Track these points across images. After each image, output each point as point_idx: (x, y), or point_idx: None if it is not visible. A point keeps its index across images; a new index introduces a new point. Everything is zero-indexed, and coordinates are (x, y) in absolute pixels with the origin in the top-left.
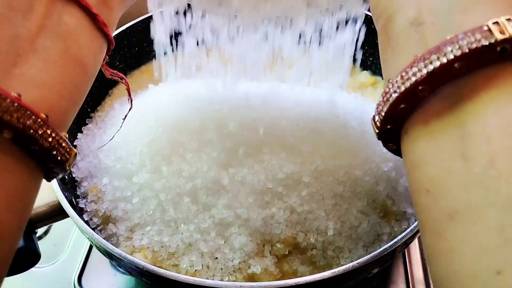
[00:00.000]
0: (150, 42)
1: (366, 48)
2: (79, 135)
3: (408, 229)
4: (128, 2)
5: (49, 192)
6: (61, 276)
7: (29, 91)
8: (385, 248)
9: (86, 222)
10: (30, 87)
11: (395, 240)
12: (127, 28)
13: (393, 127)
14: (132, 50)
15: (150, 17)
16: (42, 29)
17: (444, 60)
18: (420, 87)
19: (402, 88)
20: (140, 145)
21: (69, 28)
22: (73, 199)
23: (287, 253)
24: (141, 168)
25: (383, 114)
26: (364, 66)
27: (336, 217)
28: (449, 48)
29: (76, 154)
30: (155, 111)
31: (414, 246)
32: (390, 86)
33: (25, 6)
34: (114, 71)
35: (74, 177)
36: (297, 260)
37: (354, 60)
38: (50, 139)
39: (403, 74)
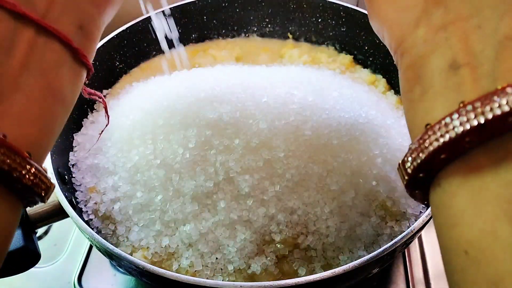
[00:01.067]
0: (150, 41)
1: (366, 48)
2: (78, 134)
3: (408, 229)
4: (103, 27)
5: None
6: (61, 276)
7: (12, 129)
8: (385, 248)
9: (86, 222)
10: (13, 125)
11: (395, 240)
12: (127, 28)
13: (425, 176)
14: (132, 49)
15: (149, 18)
16: (25, 66)
17: (498, 112)
18: (467, 139)
19: (446, 138)
20: (140, 141)
21: (51, 64)
22: (73, 199)
23: (287, 253)
24: (141, 166)
25: (418, 161)
26: (364, 65)
27: (336, 218)
28: (504, 100)
29: (54, 187)
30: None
31: (414, 246)
32: (430, 133)
33: (8, 43)
34: (92, 91)
35: (74, 177)
36: (297, 261)
37: (355, 58)
38: (32, 177)
39: (447, 121)
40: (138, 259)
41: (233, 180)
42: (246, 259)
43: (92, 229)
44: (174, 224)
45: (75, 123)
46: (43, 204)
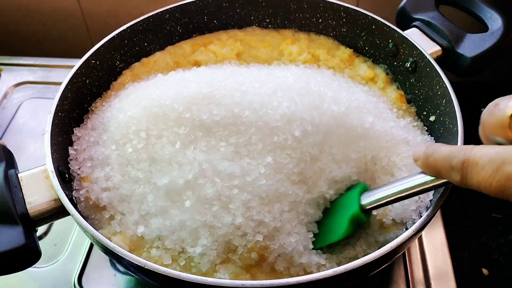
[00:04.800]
0: (149, 41)
1: (367, 48)
2: (77, 129)
3: (407, 231)
4: None
5: (49, 190)
6: (61, 276)
7: None
8: (387, 248)
9: (85, 218)
10: None
11: (395, 241)
12: (127, 27)
13: None
14: (132, 49)
15: (149, 18)
16: None
17: None
18: None
19: None
20: (135, 136)
21: None
22: (73, 197)
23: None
24: (132, 160)
25: None
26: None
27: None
28: None
29: None
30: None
31: (414, 246)
32: None
33: None
34: None
35: (71, 168)
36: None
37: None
38: None
39: None
40: (117, 244)
41: (204, 182)
42: (212, 266)
43: (82, 216)
44: (148, 216)
45: (73, 119)
46: (43, 202)
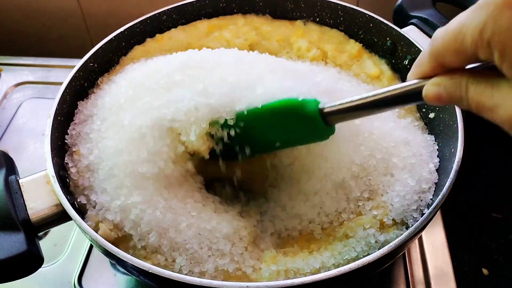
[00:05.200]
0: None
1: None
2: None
3: (408, 231)
4: None
5: (50, 196)
6: (61, 276)
7: None
8: (385, 250)
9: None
10: None
11: (396, 241)
12: (125, 29)
13: None
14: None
15: (148, 19)
16: None
17: None
18: None
19: None
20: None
21: None
22: (75, 202)
23: None
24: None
25: None
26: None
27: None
28: None
29: None
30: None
31: (414, 246)
32: None
33: None
34: None
35: (66, 142)
36: None
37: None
38: None
39: None
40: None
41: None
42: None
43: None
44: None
45: (75, 96)
46: (45, 207)
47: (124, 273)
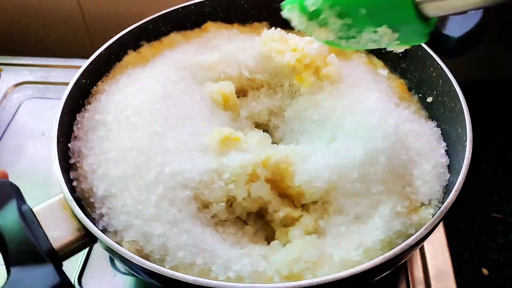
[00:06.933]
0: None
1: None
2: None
3: (409, 239)
4: None
5: (69, 221)
6: None
7: None
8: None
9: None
10: None
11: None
12: (124, 34)
13: None
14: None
15: (147, 22)
16: None
17: None
18: None
19: None
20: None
21: None
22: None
23: None
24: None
25: None
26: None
27: None
28: None
29: None
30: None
31: None
32: None
33: None
34: None
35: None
36: None
37: None
38: None
39: None
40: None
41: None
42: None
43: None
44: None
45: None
46: (67, 234)
47: (124, 273)
